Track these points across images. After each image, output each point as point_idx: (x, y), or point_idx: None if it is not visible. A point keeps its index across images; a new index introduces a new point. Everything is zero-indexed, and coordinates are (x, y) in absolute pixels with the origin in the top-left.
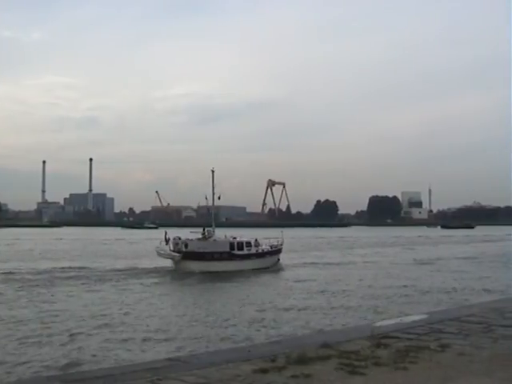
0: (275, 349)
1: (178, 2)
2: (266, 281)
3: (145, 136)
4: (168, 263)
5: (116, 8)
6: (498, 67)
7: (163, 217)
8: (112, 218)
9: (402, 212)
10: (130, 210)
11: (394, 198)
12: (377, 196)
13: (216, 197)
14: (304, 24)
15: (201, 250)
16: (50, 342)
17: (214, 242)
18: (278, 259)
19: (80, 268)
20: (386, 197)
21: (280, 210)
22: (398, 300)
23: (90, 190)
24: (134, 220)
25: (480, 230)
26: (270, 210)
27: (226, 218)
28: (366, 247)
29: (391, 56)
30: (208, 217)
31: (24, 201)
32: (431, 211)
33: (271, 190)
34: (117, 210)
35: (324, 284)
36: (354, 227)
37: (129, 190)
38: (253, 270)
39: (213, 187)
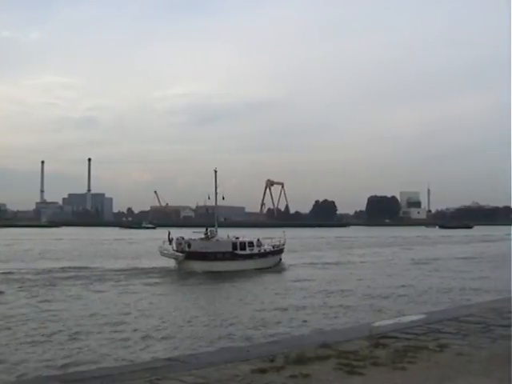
0: (274, 349)
1: (177, 2)
2: (266, 280)
3: (143, 136)
4: (169, 263)
5: (115, 8)
6: (498, 67)
7: (162, 217)
8: (111, 218)
9: (401, 212)
10: (129, 210)
11: (393, 198)
12: (375, 196)
13: (220, 197)
14: (304, 24)
15: (204, 250)
16: (49, 341)
17: (217, 242)
18: (280, 259)
19: (80, 268)
20: (385, 197)
21: (279, 210)
22: (396, 300)
23: (89, 190)
24: (132, 220)
25: (478, 230)
26: (269, 210)
27: (225, 218)
28: (364, 247)
29: (391, 56)
30: (206, 217)
31: (22, 201)
32: (430, 211)
33: (270, 189)
34: (115, 210)
35: (323, 284)
36: (352, 227)
37: (127, 190)
38: (255, 269)
39: (215, 187)
